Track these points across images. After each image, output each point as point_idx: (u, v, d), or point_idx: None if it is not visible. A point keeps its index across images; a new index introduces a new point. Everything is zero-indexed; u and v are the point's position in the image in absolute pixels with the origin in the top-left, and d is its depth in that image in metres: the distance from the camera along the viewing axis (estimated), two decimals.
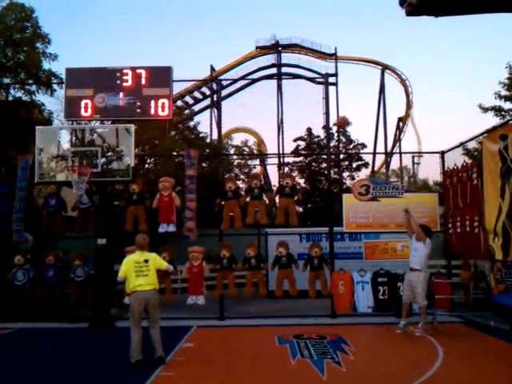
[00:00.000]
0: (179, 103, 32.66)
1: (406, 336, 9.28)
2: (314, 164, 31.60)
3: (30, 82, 15.12)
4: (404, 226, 10.39)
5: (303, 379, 6.65)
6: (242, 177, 30.16)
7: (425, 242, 9.52)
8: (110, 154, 11.04)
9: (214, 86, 32.85)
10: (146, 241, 7.75)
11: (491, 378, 6.66)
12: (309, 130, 32.86)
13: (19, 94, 15.14)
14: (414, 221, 9.86)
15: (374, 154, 35.65)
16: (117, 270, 11.38)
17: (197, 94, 36.21)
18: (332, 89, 32.35)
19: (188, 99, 35.60)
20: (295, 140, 33.18)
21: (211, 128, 31.28)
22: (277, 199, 12.71)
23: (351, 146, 33.25)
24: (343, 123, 32.90)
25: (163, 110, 11.53)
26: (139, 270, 7.43)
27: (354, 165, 32.49)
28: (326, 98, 33.64)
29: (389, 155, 33.47)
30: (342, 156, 31.81)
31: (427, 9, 4.36)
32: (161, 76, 11.69)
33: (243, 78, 35.90)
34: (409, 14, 4.40)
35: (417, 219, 10.38)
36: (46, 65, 15.37)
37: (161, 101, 11.52)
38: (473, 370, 7.02)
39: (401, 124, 38.15)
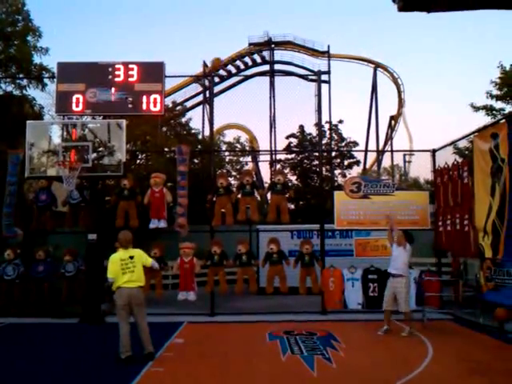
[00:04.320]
0: (171, 99, 32.50)
1: (396, 333, 9.32)
2: (305, 161, 31.58)
3: (21, 76, 15.02)
4: (387, 233, 10.14)
5: (294, 375, 6.66)
6: (234, 173, 30.08)
7: (405, 247, 9.44)
8: (101, 149, 11.00)
9: (207, 82, 32.74)
10: (128, 237, 7.69)
11: (481, 374, 6.69)
12: (301, 127, 32.84)
13: (10, 88, 15.04)
14: (395, 226, 9.84)
15: (366, 151, 35.68)
16: (107, 266, 11.46)
17: (189, 90, 36.08)
18: (324, 86, 32.33)
19: (180, 95, 35.46)
20: (287, 137, 33.14)
21: (203, 124, 31.20)
22: (268, 196, 12.72)
23: (343, 144, 33.24)
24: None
25: (155, 106, 11.53)
26: (125, 267, 7.42)
27: (346, 162, 32.50)
28: (319, 96, 33.72)
29: (380, 153, 33.56)
30: (333, 153, 31.80)
31: (419, 4, 4.36)
32: (153, 71, 11.67)
33: (236, 74, 35.85)
34: (401, 9, 4.40)
35: (407, 218, 10.35)
36: (37, 59, 15.27)
37: (153, 96, 11.51)
38: (462, 367, 7.06)
39: (393, 122, 38.22)
